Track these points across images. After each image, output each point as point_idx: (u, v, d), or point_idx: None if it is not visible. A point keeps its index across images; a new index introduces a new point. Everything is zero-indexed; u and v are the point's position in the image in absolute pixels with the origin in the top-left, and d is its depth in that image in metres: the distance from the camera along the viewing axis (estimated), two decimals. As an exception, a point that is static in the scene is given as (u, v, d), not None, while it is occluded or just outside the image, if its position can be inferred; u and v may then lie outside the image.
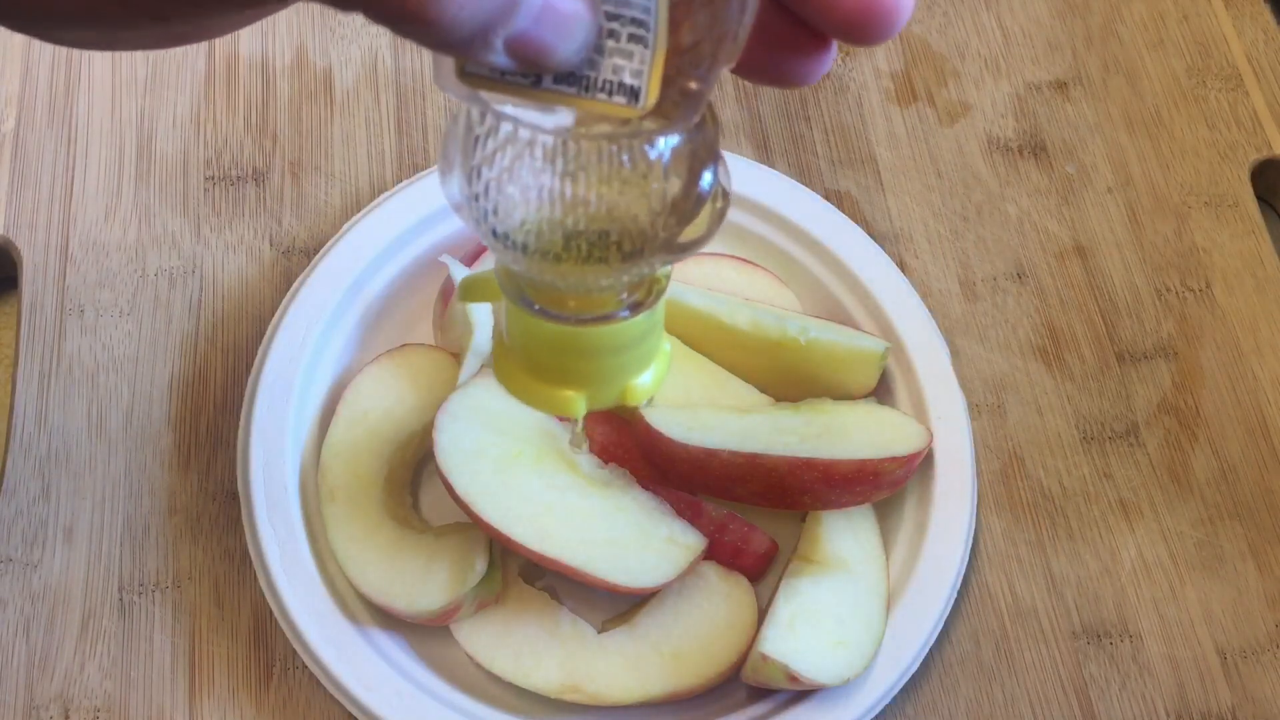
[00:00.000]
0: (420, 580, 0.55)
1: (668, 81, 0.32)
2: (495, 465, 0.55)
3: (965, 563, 0.59)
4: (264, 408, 0.59)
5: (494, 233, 0.35)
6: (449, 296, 0.60)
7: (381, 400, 0.59)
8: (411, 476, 0.60)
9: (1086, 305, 0.68)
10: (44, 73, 0.68)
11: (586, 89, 0.32)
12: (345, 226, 0.63)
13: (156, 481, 0.60)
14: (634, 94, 0.32)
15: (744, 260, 0.65)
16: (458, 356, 0.60)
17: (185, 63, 0.70)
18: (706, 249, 0.67)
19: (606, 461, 0.57)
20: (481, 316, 0.58)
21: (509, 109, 0.33)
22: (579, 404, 0.41)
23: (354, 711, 0.55)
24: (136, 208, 0.66)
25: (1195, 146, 0.72)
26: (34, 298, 0.63)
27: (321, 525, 0.57)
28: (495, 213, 0.35)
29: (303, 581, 0.56)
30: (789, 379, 0.61)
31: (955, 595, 0.59)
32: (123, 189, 0.66)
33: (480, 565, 0.54)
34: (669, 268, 0.39)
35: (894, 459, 0.57)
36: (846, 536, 0.58)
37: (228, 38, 0.70)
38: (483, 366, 0.58)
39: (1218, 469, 0.64)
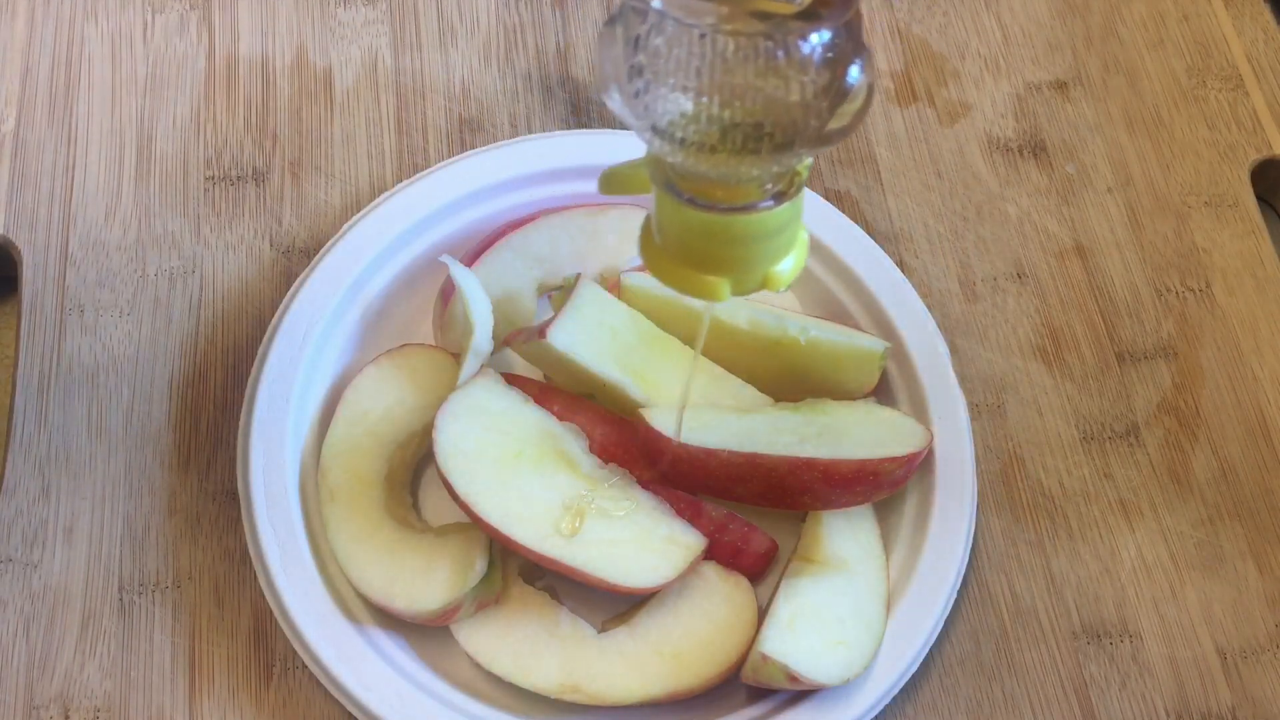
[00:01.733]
0: (420, 580, 0.55)
1: None
2: (495, 465, 0.55)
3: (965, 563, 0.59)
4: (264, 408, 0.59)
5: (653, 128, 0.38)
6: (449, 296, 0.60)
7: (381, 400, 0.59)
8: (411, 476, 0.60)
9: (1086, 305, 0.68)
10: (44, 73, 0.69)
11: None
12: (345, 226, 0.63)
13: (156, 481, 0.60)
14: None
15: (744, 260, 0.65)
16: (458, 356, 0.60)
17: (185, 63, 0.70)
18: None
19: (606, 461, 0.57)
20: (481, 316, 0.58)
21: (670, 6, 0.35)
22: (724, 289, 0.43)
23: (354, 711, 0.55)
24: (136, 208, 0.66)
25: (1195, 146, 0.72)
26: (34, 298, 0.63)
27: (321, 525, 0.57)
28: (654, 108, 0.37)
29: (303, 581, 0.56)
30: (789, 379, 0.61)
31: (955, 595, 0.59)
32: (123, 189, 0.66)
33: (480, 565, 0.54)
34: (810, 160, 0.42)
35: (894, 459, 0.57)
36: (846, 536, 0.58)
37: (228, 38, 0.70)
38: (483, 366, 0.58)
39: (1218, 469, 0.64)
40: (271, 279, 0.65)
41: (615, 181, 0.48)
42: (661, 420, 0.57)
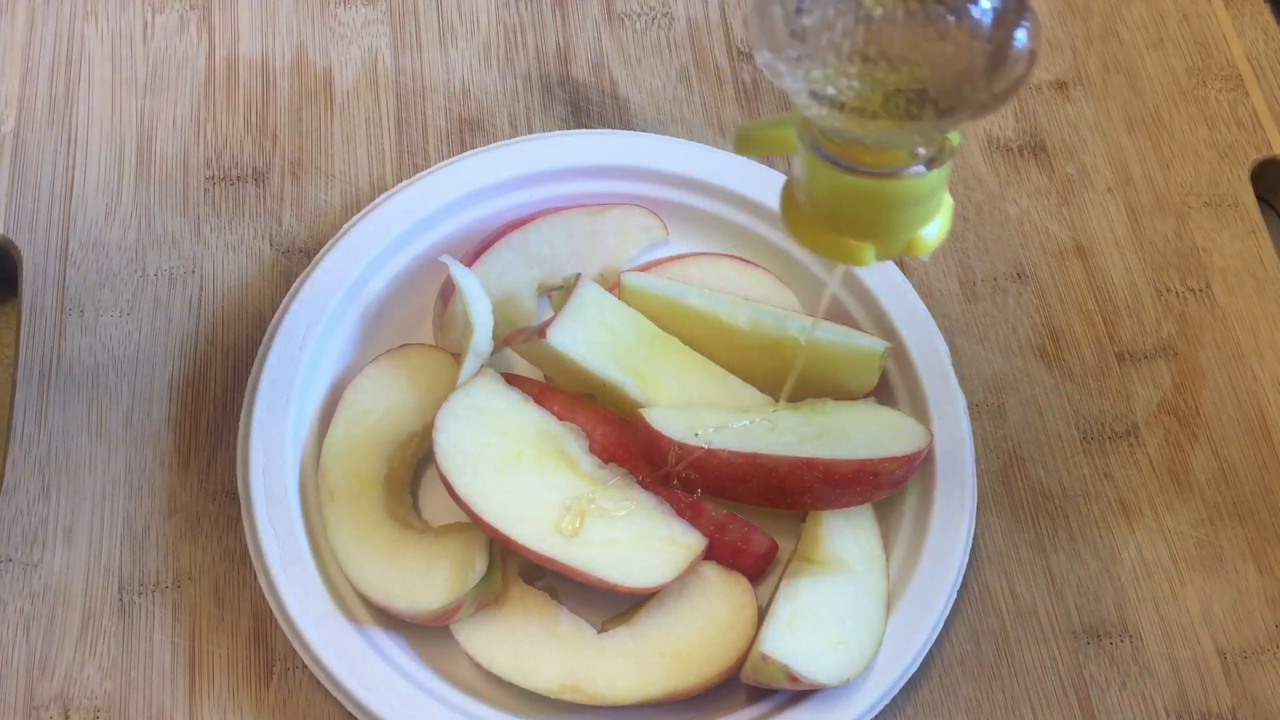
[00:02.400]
0: (420, 580, 0.55)
1: None
2: (495, 465, 0.55)
3: (965, 563, 0.59)
4: (264, 408, 0.59)
5: (811, 92, 0.37)
6: (449, 296, 0.60)
7: (381, 400, 0.59)
8: (411, 476, 0.60)
9: (1086, 305, 0.68)
10: (44, 73, 0.68)
11: None
12: (345, 226, 0.63)
13: (156, 481, 0.60)
14: None
15: (744, 260, 0.65)
16: (458, 356, 0.60)
17: (185, 63, 0.70)
18: (706, 249, 0.67)
19: (606, 461, 0.57)
20: (481, 316, 0.58)
21: None
22: (868, 254, 0.43)
23: (354, 711, 0.55)
24: (136, 208, 0.66)
25: (1195, 146, 0.72)
26: (34, 298, 0.63)
27: (321, 525, 0.57)
28: (814, 73, 0.37)
29: (303, 581, 0.56)
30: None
31: (955, 595, 0.59)
32: (123, 189, 0.66)
33: (480, 565, 0.54)
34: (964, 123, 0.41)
35: (894, 459, 0.57)
36: (846, 536, 0.58)
37: (228, 38, 0.70)
38: (483, 366, 0.58)
39: (1218, 469, 0.64)
40: (271, 279, 0.65)
41: (754, 142, 0.47)
42: (661, 420, 0.57)
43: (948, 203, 0.44)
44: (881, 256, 0.43)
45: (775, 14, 0.37)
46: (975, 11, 0.37)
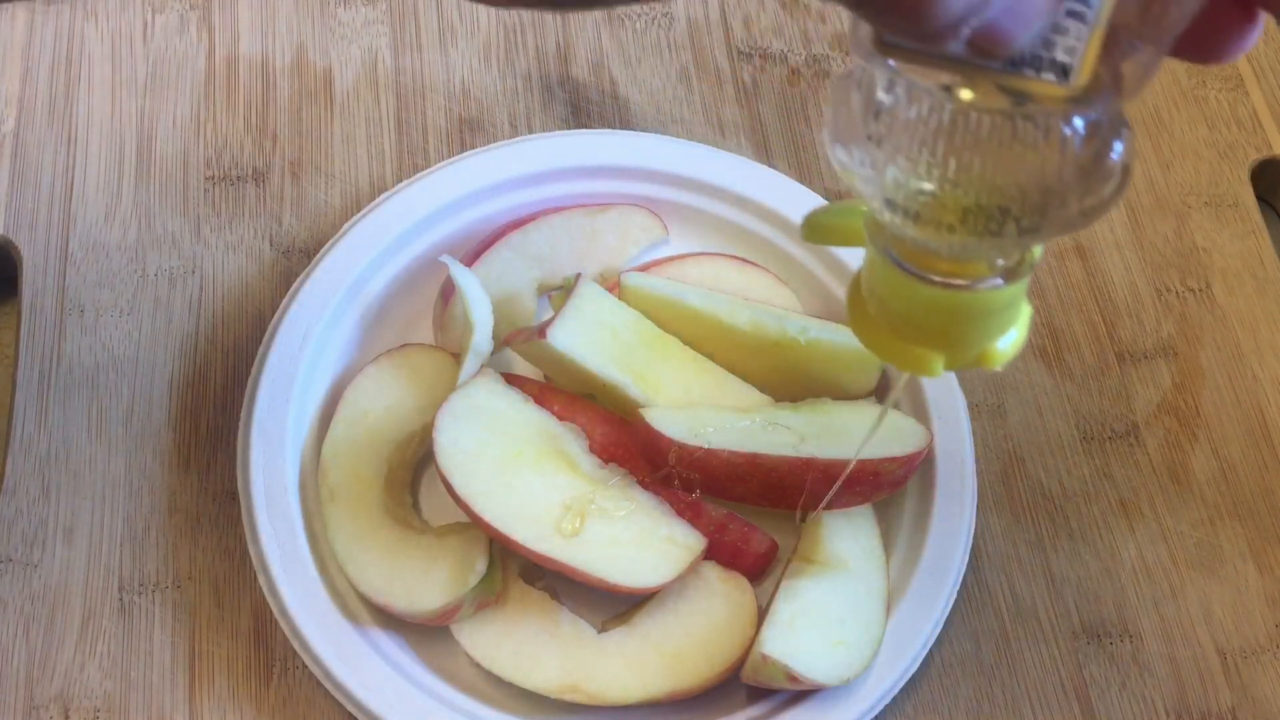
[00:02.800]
0: (420, 580, 0.55)
1: (1101, 59, 0.31)
2: (495, 465, 0.55)
3: (965, 563, 0.59)
4: (264, 408, 0.59)
5: (886, 199, 0.34)
6: (449, 296, 0.60)
7: (381, 400, 0.59)
8: (411, 476, 0.60)
9: (1086, 305, 0.68)
10: (44, 73, 0.68)
11: (1013, 63, 0.31)
12: (345, 226, 0.63)
13: (156, 481, 0.60)
14: (1065, 71, 0.31)
15: (744, 260, 0.65)
16: (458, 356, 0.60)
17: (185, 63, 0.70)
18: (706, 249, 0.67)
19: (606, 461, 0.57)
20: (481, 316, 0.58)
21: (913, 73, 0.32)
22: (937, 364, 0.40)
23: (354, 711, 0.55)
24: (136, 208, 0.66)
25: (1195, 146, 0.72)
26: (34, 298, 0.63)
27: (321, 525, 0.57)
28: (889, 179, 0.34)
29: (303, 581, 0.56)
30: (789, 379, 0.61)
31: (955, 595, 0.59)
32: (123, 189, 0.66)
33: (480, 565, 0.54)
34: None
35: (894, 459, 0.57)
36: (846, 536, 0.58)
37: (228, 38, 0.70)
38: (483, 366, 0.58)
39: (1218, 469, 0.64)
40: (271, 279, 0.65)
41: (823, 231, 0.44)
42: (661, 420, 0.57)
43: (1026, 312, 0.41)
44: (950, 366, 0.41)
45: (855, 104, 0.34)
46: (1067, 130, 0.33)
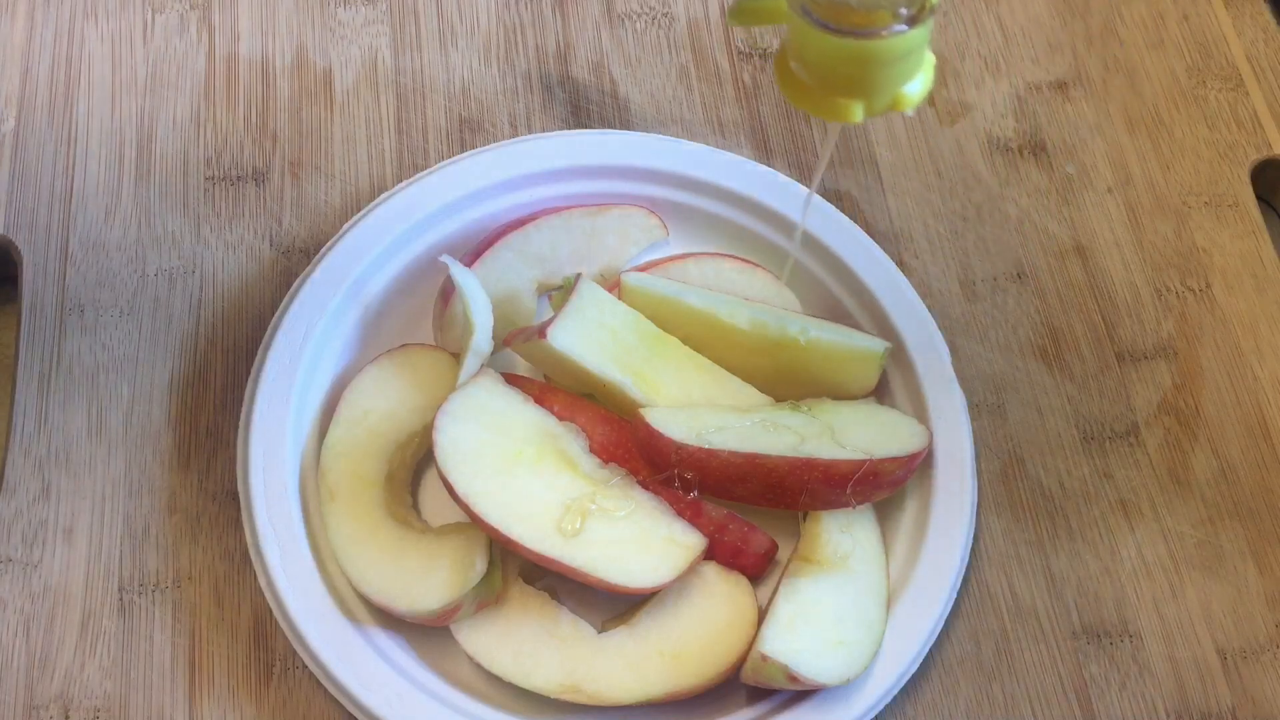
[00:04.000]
0: (420, 580, 0.55)
1: None
2: (495, 465, 0.55)
3: (965, 563, 0.59)
4: (264, 408, 0.59)
5: None
6: (449, 296, 0.60)
7: (381, 400, 0.59)
8: (411, 476, 0.60)
9: (1086, 305, 0.68)
10: (44, 73, 0.68)
11: None
12: (345, 226, 0.63)
13: (156, 481, 0.60)
14: None
15: (744, 260, 0.65)
16: (458, 356, 0.60)
17: (185, 63, 0.70)
18: (706, 249, 0.67)
19: (606, 461, 0.57)
20: (481, 316, 0.58)
21: None
22: (856, 110, 0.46)
23: (354, 711, 0.55)
24: (136, 208, 0.66)
25: (1195, 146, 0.72)
26: (34, 298, 0.63)
27: (321, 525, 0.57)
28: None
29: (303, 581, 0.56)
30: (789, 379, 0.61)
31: (955, 595, 0.59)
32: (123, 189, 0.66)
33: (480, 565, 0.54)
34: None
35: (894, 459, 0.57)
36: (846, 536, 0.58)
37: (228, 38, 0.70)
38: (483, 366, 0.58)
39: (1218, 469, 0.64)
40: (271, 279, 0.65)
41: (747, 13, 0.49)
42: (661, 420, 0.57)
43: (930, 60, 0.47)
44: (870, 113, 0.46)
45: None
46: None
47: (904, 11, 0.44)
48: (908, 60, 0.45)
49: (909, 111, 0.47)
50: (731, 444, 0.56)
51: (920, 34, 0.44)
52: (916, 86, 0.47)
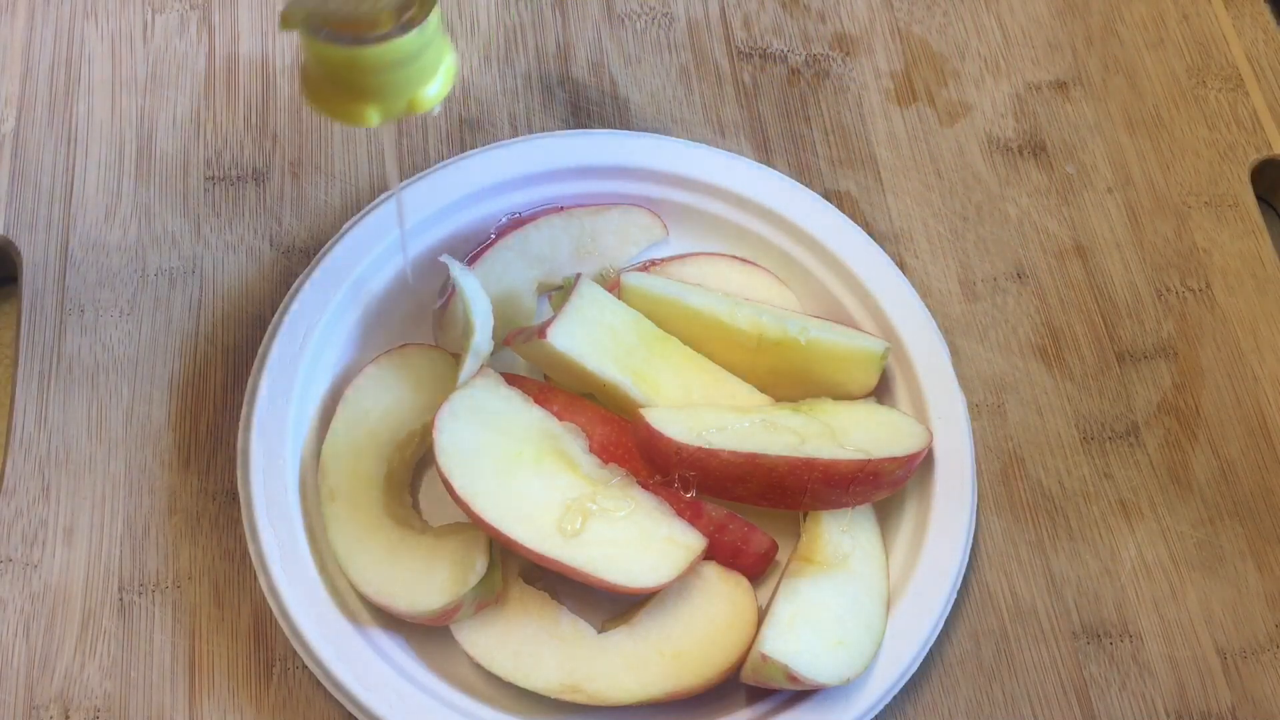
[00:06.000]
0: (420, 580, 0.55)
1: None
2: (495, 465, 0.55)
3: (965, 563, 0.59)
4: (264, 408, 0.59)
5: None
6: (449, 296, 0.60)
7: (381, 400, 0.59)
8: (411, 476, 0.60)
9: (1086, 305, 0.68)
10: (44, 73, 0.68)
11: None
12: (345, 226, 0.63)
13: (156, 481, 0.60)
14: None
15: (744, 260, 0.65)
16: (458, 356, 0.60)
17: (185, 63, 0.70)
18: (706, 248, 0.67)
19: (606, 461, 0.57)
20: (481, 316, 0.58)
21: None
22: (371, 114, 0.46)
23: (354, 711, 0.55)
24: (136, 208, 0.66)
25: (1195, 146, 0.72)
26: (34, 298, 0.63)
27: (321, 525, 0.57)
28: None
29: (303, 581, 0.56)
30: (789, 379, 0.61)
31: (955, 595, 0.59)
32: (123, 189, 0.66)
33: (480, 565, 0.54)
34: None
35: (894, 459, 0.57)
36: (846, 537, 0.58)
37: (228, 38, 0.70)
38: (483, 366, 0.58)
39: (1218, 469, 0.64)
40: (271, 279, 0.65)
41: (287, 19, 0.49)
42: (661, 420, 0.57)
43: (449, 62, 0.47)
44: (385, 116, 0.46)
45: None
46: None
47: (398, 18, 0.44)
48: (413, 65, 0.45)
49: (435, 110, 0.47)
50: (731, 444, 0.56)
51: (416, 39, 0.44)
52: (435, 88, 0.47)
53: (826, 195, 0.68)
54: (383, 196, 0.63)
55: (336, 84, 0.46)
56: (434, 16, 0.45)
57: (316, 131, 0.68)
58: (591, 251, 0.64)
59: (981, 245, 0.69)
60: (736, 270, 0.65)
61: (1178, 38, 0.75)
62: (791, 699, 0.55)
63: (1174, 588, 0.61)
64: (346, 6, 0.42)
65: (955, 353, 0.65)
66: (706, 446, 0.56)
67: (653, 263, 0.65)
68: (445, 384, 0.58)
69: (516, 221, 0.63)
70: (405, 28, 0.44)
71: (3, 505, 0.59)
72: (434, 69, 0.46)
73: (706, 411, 0.58)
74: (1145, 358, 0.67)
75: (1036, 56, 0.74)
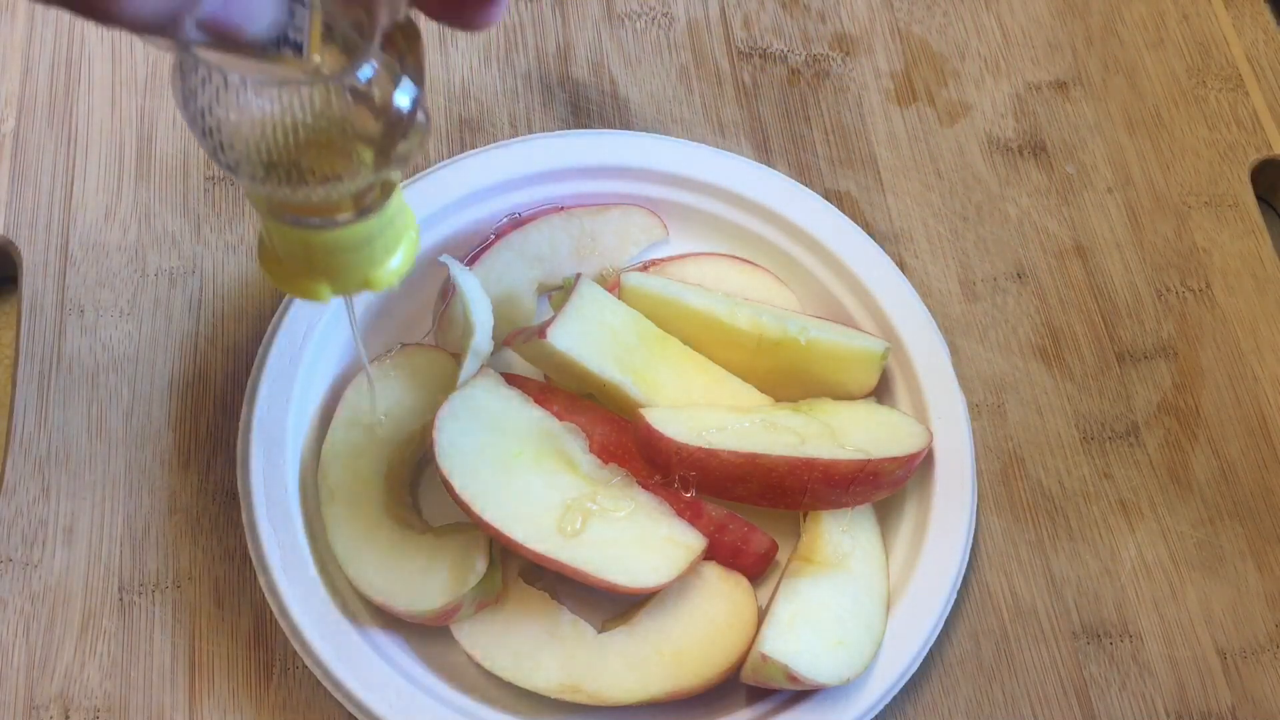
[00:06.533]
0: (420, 580, 0.55)
1: (331, 31, 0.37)
2: (495, 465, 0.55)
3: (965, 563, 0.59)
4: (264, 408, 0.59)
5: (217, 159, 0.39)
6: (449, 296, 0.60)
7: (381, 400, 0.59)
8: (411, 476, 0.60)
9: (1086, 305, 0.68)
10: (44, 73, 0.68)
11: (278, 44, 0.36)
12: (345, 226, 0.63)
13: (156, 481, 0.60)
14: (298, 48, 0.36)
15: (744, 260, 0.65)
16: (458, 356, 0.60)
17: (185, 63, 0.69)
18: (706, 248, 0.67)
19: (606, 461, 0.57)
20: (481, 316, 0.58)
21: (213, 62, 0.37)
22: (324, 291, 0.45)
23: (354, 711, 0.55)
24: (136, 208, 0.66)
25: (1195, 146, 0.72)
26: (34, 298, 0.63)
27: (321, 525, 0.57)
28: (222, 147, 0.39)
29: (303, 581, 0.56)
30: (789, 379, 0.61)
31: (955, 595, 0.59)
32: (123, 189, 0.66)
33: (480, 565, 0.54)
34: (396, 174, 0.43)
35: (894, 459, 0.57)
36: (846, 537, 0.58)
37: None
38: (483, 366, 0.58)
39: (1218, 469, 0.64)
40: (271, 279, 0.64)
41: (254, 201, 0.49)
42: (661, 420, 0.57)
43: (411, 239, 0.46)
44: (340, 293, 0.46)
45: (181, 92, 0.39)
46: (330, 93, 0.38)
47: (353, 203, 0.43)
48: (368, 247, 0.44)
49: (395, 286, 0.46)
50: (731, 444, 0.56)
51: (372, 224, 0.43)
52: (393, 265, 0.46)
53: (826, 195, 0.68)
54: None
55: (291, 260, 0.45)
56: (394, 198, 0.44)
57: (316, 131, 0.68)
58: (591, 251, 0.64)
59: (981, 245, 0.69)
60: (736, 270, 0.65)
61: (1178, 38, 0.75)
62: (791, 699, 0.55)
63: (1174, 588, 0.61)
64: (304, 194, 0.41)
65: (955, 353, 0.65)
66: (706, 446, 0.56)
67: (653, 263, 0.65)
68: (445, 384, 0.58)
69: (516, 221, 0.63)
70: (364, 213, 0.43)
71: (3, 505, 0.59)
72: (393, 247, 0.46)
73: (706, 411, 0.58)
74: (1145, 358, 0.67)
75: (1036, 56, 0.74)
